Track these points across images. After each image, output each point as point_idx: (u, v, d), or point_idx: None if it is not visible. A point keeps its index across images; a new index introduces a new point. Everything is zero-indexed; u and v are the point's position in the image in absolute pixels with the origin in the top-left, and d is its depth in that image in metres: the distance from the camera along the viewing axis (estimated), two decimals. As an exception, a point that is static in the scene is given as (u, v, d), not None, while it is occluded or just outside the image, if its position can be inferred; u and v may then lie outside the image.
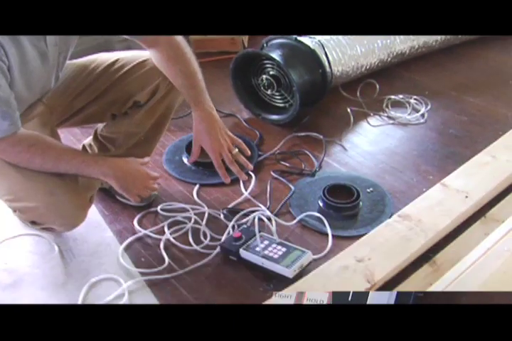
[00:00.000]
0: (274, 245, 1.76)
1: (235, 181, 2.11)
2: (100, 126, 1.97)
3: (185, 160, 2.23)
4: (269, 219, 1.92)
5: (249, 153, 1.88)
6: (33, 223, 1.79)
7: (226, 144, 1.79)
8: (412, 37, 2.75)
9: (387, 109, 2.56)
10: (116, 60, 1.83)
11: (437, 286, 1.55)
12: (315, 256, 1.77)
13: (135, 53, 1.86)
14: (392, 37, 2.68)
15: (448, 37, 2.87)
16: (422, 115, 2.53)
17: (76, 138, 2.34)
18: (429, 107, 2.58)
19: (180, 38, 1.76)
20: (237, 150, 1.83)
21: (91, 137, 2.02)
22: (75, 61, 1.86)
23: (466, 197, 1.85)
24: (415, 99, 2.62)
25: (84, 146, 2.03)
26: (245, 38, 3.05)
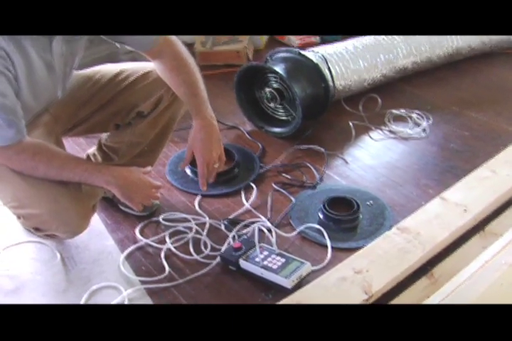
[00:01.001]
0: (273, 256, 1.78)
1: (237, 192, 2.15)
2: (104, 135, 2.00)
3: (188, 171, 2.25)
4: (269, 231, 1.94)
5: (220, 170, 1.90)
6: (37, 229, 1.82)
7: (214, 157, 1.81)
8: (414, 52, 2.77)
9: (388, 123, 2.58)
10: (121, 71, 1.87)
11: (434, 298, 1.57)
12: (314, 268, 1.78)
13: (139, 65, 1.89)
14: (395, 52, 2.71)
15: (450, 53, 2.90)
16: (424, 129, 2.54)
17: (81, 147, 2.36)
18: (430, 122, 2.59)
19: (183, 49, 1.80)
20: (217, 165, 1.84)
21: (95, 147, 2.05)
22: (80, 72, 1.89)
23: (465, 210, 1.87)
24: (417, 113, 2.64)
25: (88, 156, 2.06)
26: (250, 52, 3.08)
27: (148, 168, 1.77)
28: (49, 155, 1.58)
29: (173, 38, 1.80)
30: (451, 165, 2.30)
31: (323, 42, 3.18)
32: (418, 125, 2.57)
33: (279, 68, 2.37)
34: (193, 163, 1.88)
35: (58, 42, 1.59)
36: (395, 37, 2.75)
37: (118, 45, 1.79)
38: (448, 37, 2.85)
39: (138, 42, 1.74)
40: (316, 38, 3.26)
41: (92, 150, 2.06)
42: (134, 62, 1.93)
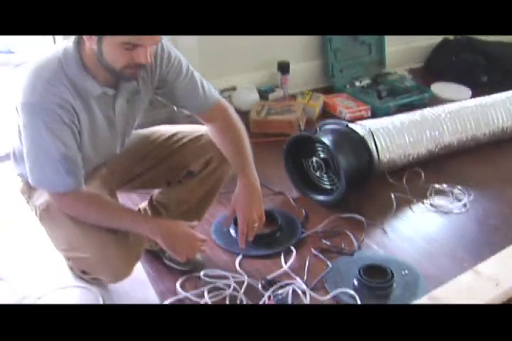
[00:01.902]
0: (304, 316, 1.84)
1: (277, 255, 2.23)
2: (156, 192, 2.13)
3: (232, 231, 2.34)
4: (304, 293, 2.01)
5: (259, 230, 1.96)
6: (83, 272, 1.93)
7: (255, 216, 1.89)
8: (460, 129, 2.85)
9: (430, 197, 2.64)
10: (176, 133, 2.01)
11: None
12: (344, 330, 1.83)
13: (193, 127, 2.03)
14: (440, 129, 2.79)
15: (496, 131, 2.96)
16: (464, 204, 2.59)
17: (134, 202, 2.47)
18: (471, 197, 2.64)
19: (235, 115, 1.96)
20: (256, 225, 1.91)
21: (146, 202, 2.17)
22: (140, 131, 2.04)
23: (497, 284, 1.89)
24: (459, 188, 2.69)
25: (139, 210, 2.18)
26: (303, 122, 3.20)
27: (195, 223, 1.87)
28: (101, 204, 1.71)
29: (226, 103, 1.96)
30: (489, 240, 2.35)
31: (373, 116, 3.31)
32: (459, 200, 2.63)
33: (327, 139, 2.48)
34: (237, 224, 1.98)
35: (121, 101, 1.75)
36: (441, 113, 2.84)
37: (175, 108, 1.95)
38: (494, 116, 2.93)
39: (194, 106, 1.90)
40: (366, 113, 3.37)
41: (143, 205, 2.18)
42: (189, 125, 2.07)
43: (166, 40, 1.79)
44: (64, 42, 1.66)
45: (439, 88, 3.80)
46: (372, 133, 2.59)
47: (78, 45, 1.63)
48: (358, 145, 2.53)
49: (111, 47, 1.55)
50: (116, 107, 1.75)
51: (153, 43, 1.58)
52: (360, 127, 2.62)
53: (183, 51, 1.88)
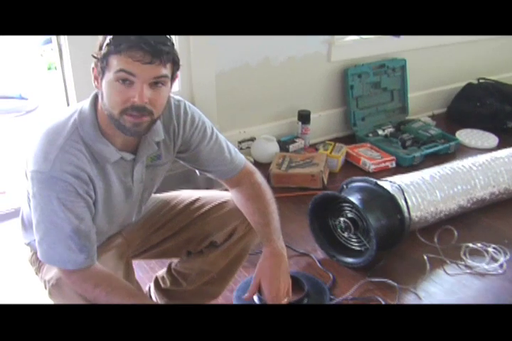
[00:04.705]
0: None
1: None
2: (175, 260, 2.00)
3: (255, 298, 2.21)
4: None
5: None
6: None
7: (283, 289, 1.74)
8: (492, 183, 2.74)
9: (464, 257, 2.50)
10: (197, 199, 1.89)
11: None
12: None
13: (216, 193, 1.92)
14: (472, 183, 2.68)
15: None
16: (501, 265, 2.46)
17: (149, 266, 2.37)
18: (508, 257, 2.50)
19: (262, 179, 1.84)
20: (286, 300, 1.76)
21: (165, 269, 2.05)
22: (158, 195, 1.93)
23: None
24: (494, 247, 2.55)
25: (156, 278, 2.06)
26: (325, 175, 3.08)
27: None
28: (111, 286, 1.56)
29: (252, 167, 1.85)
30: (528, 304, 2.20)
31: (397, 166, 3.23)
32: (495, 260, 2.49)
33: (355, 198, 2.36)
34: (260, 291, 1.84)
35: (140, 167, 1.64)
36: (472, 166, 2.74)
37: (198, 172, 1.84)
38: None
39: (219, 171, 1.79)
40: (391, 163, 3.26)
41: (161, 273, 2.06)
42: (212, 191, 1.97)
43: (187, 101, 1.70)
44: (79, 104, 1.56)
45: (464, 135, 3.70)
46: (402, 191, 2.47)
47: (94, 106, 1.52)
48: (387, 203, 2.41)
49: (107, 84, 1.41)
50: (135, 173, 1.63)
51: (148, 77, 1.40)
52: (389, 184, 2.50)
53: (200, 103, 1.78)
